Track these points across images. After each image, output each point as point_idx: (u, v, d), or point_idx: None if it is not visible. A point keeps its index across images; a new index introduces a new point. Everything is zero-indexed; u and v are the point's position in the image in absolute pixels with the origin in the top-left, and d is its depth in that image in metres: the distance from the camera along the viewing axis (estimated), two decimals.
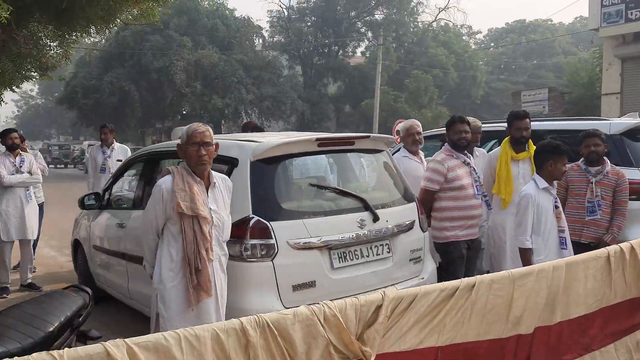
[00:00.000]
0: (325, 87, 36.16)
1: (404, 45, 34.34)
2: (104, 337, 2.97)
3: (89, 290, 2.98)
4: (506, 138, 4.50)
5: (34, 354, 1.58)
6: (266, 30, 36.17)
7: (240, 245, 3.24)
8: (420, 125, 5.16)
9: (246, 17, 32.79)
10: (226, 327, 1.88)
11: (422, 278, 3.99)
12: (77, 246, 5.83)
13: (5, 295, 5.88)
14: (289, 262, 3.31)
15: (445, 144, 4.41)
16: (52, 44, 7.90)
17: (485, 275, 2.56)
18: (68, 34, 7.37)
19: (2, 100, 8.07)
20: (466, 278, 2.51)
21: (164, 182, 2.92)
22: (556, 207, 3.78)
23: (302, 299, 3.32)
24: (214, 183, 3.04)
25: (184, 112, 32.54)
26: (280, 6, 37.65)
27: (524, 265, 3.66)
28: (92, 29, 7.39)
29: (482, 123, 5.36)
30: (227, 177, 3.18)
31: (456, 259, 4.28)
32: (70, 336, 2.74)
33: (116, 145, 7.00)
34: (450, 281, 2.45)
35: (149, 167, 4.79)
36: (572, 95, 18.45)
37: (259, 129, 6.48)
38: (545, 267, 2.75)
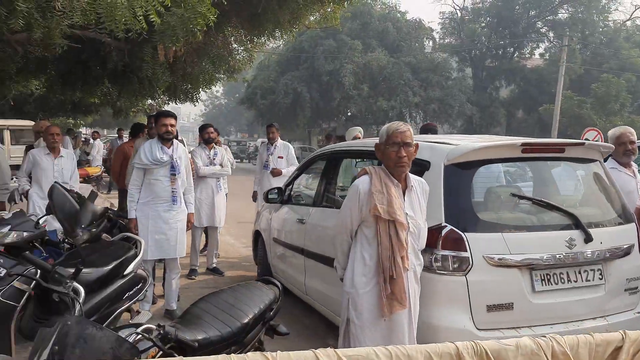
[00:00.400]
0: (496, 91, 34.25)
1: (590, 46, 31.04)
2: None
3: (279, 285, 3.01)
4: None
5: (249, 354, 1.54)
6: (437, 32, 35.46)
7: (430, 255, 3.02)
8: (634, 133, 4.45)
9: (417, 20, 32.46)
10: (440, 351, 1.67)
11: (639, 312, 3.38)
12: (257, 237, 6.12)
13: (193, 277, 6.39)
14: (484, 279, 3.00)
15: None
16: (239, 48, 8.45)
17: None
18: (257, 37, 7.79)
19: (198, 98, 8.83)
20: None
21: (361, 183, 2.79)
22: None
23: (496, 321, 3.00)
24: (412, 186, 2.84)
25: (349, 114, 33.30)
26: (453, 7, 36.47)
27: None
28: (277, 33, 7.72)
29: None
30: (424, 181, 2.96)
31: None
32: (262, 329, 2.77)
33: (279, 142, 7.22)
34: None
35: (330, 166, 4.80)
36: None
37: (434, 131, 6.22)
38: None
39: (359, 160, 5.76)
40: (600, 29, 32.90)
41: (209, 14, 4.37)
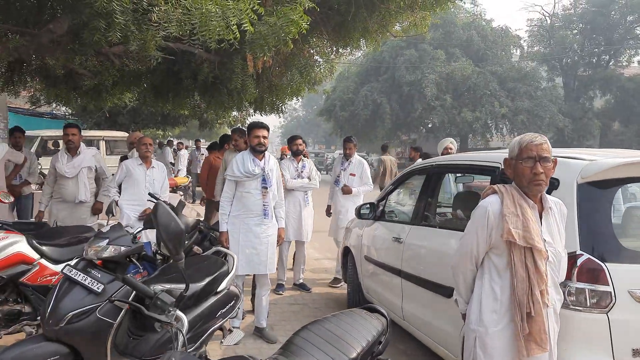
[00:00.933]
0: (590, 101, 32.17)
1: None
2: None
3: (386, 314, 2.71)
4: None
5: None
6: (524, 40, 33.92)
7: (562, 288, 2.60)
8: None
9: (504, 27, 31.21)
10: None
11: None
12: (346, 253, 5.86)
13: (280, 292, 6.21)
14: (630, 317, 2.54)
15: None
16: (320, 59, 8.29)
17: None
18: (342, 47, 7.60)
19: (283, 110, 8.72)
20: None
21: (491, 204, 2.42)
22: None
23: None
24: (549, 208, 2.44)
25: (430, 126, 32.49)
26: (542, 14, 34.75)
27: None
28: (362, 43, 7.49)
29: None
30: (560, 202, 2.54)
31: None
32: None
33: (354, 159, 6.82)
34: None
35: (430, 182, 4.45)
36: None
37: None
38: None
39: (459, 175, 5.35)
40: None
41: (302, 21, 4.20)
